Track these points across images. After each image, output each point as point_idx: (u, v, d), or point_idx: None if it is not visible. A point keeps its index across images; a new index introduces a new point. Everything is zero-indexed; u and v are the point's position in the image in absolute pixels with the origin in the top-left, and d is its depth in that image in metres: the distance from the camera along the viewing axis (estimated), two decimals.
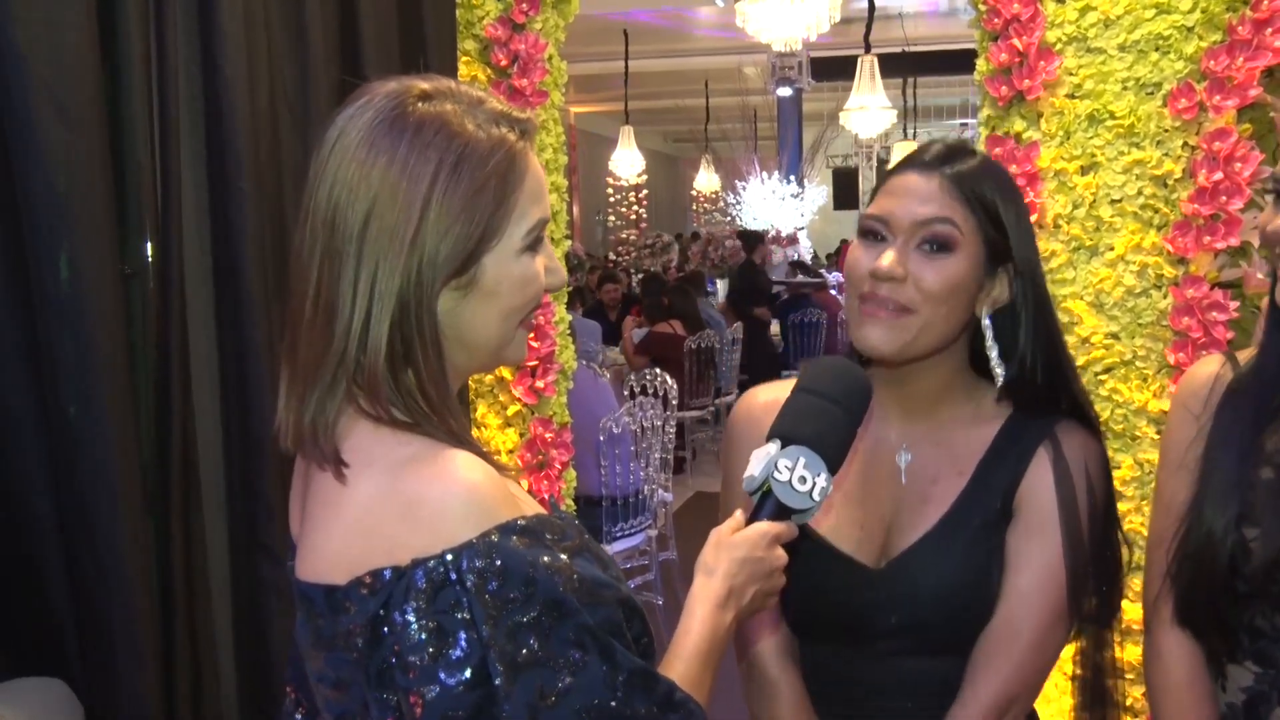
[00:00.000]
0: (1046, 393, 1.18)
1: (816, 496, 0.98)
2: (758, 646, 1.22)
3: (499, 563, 0.76)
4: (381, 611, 0.78)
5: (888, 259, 1.10)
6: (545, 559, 0.78)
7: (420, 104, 0.85)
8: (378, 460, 0.83)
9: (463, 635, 0.76)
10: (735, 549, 0.96)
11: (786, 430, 1.00)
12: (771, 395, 1.27)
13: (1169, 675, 1.21)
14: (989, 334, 1.16)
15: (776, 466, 0.97)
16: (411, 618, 0.76)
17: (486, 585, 0.76)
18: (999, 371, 1.16)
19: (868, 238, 1.14)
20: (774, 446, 0.99)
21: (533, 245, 0.89)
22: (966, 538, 1.14)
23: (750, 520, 0.99)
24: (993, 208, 1.12)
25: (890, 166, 1.20)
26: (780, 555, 0.99)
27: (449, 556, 0.77)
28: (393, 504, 0.80)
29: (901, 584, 1.14)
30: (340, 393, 0.86)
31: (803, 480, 0.97)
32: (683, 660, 0.92)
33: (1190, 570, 1.15)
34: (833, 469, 0.99)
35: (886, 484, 1.18)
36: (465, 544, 0.77)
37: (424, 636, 0.76)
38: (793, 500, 0.97)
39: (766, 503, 0.99)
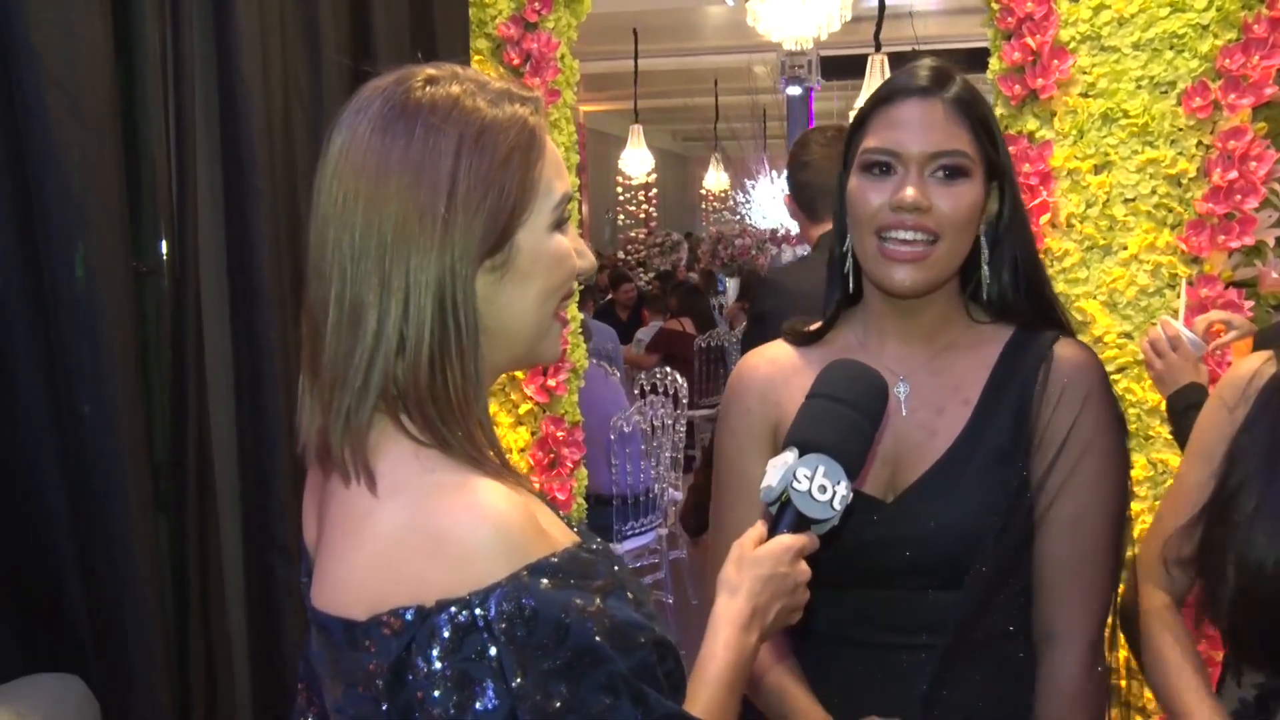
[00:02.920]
0: (1030, 300, 1.17)
1: (837, 505, 0.93)
2: (765, 679, 1.19)
3: (529, 608, 0.72)
4: (404, 654, 0.73)
5: (911, 191, 1.08)
6: (578, 602, 0.74)
7: (429, 87, 0.82)
8: (403, 488, 0.78)
9: (490, 685, 0.71)
10: (758, 565, 0.92)
11: (803, 437, 0.96)
12: (760, 357, 1.25)
13: (1169, 650, 1.20)
14: (985, 248, 1.16)
15: (795, 476, 0.93)
16: (437, 665, 0.72)
17: (515, 632, 0.71)
18: (989, 283, 1.16)
19: (873, 171, 1.11)
20: (791, 455, 0.94)
21: (560, 224, 0.86)
22: (976, 468, 1.11)
23: (771, 532, 0.95)
24: (989, 126, 1.13)
25: (878, 91, 1.15)
26: (804, 570, 0.94)
27: (476, 600, 0.72)
28: (417, 538, 0.75)
29: (912, 518, 1.11)
30: (371, 402, 0.80)
31: (822, 489, 0.93)
32: (708, 687, 0.87)
33: (1252, 610, 1.11)
34: (852, 475, 0.95)
35: (887, 417, 1.14)
36: (493, 586, 0.72)
37: (449, 685, 0.72)
38: (813, 510, 0.93)
39: (785, 514, 0.95)
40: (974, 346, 1.18)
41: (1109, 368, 2.18)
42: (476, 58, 2.57)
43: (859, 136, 1.14)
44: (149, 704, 1.69)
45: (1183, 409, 1.65)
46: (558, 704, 0.71)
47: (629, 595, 0.81)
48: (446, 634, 0.72)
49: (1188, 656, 1.19)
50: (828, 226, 1.86)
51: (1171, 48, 2.13)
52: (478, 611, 0.72)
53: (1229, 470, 1.15)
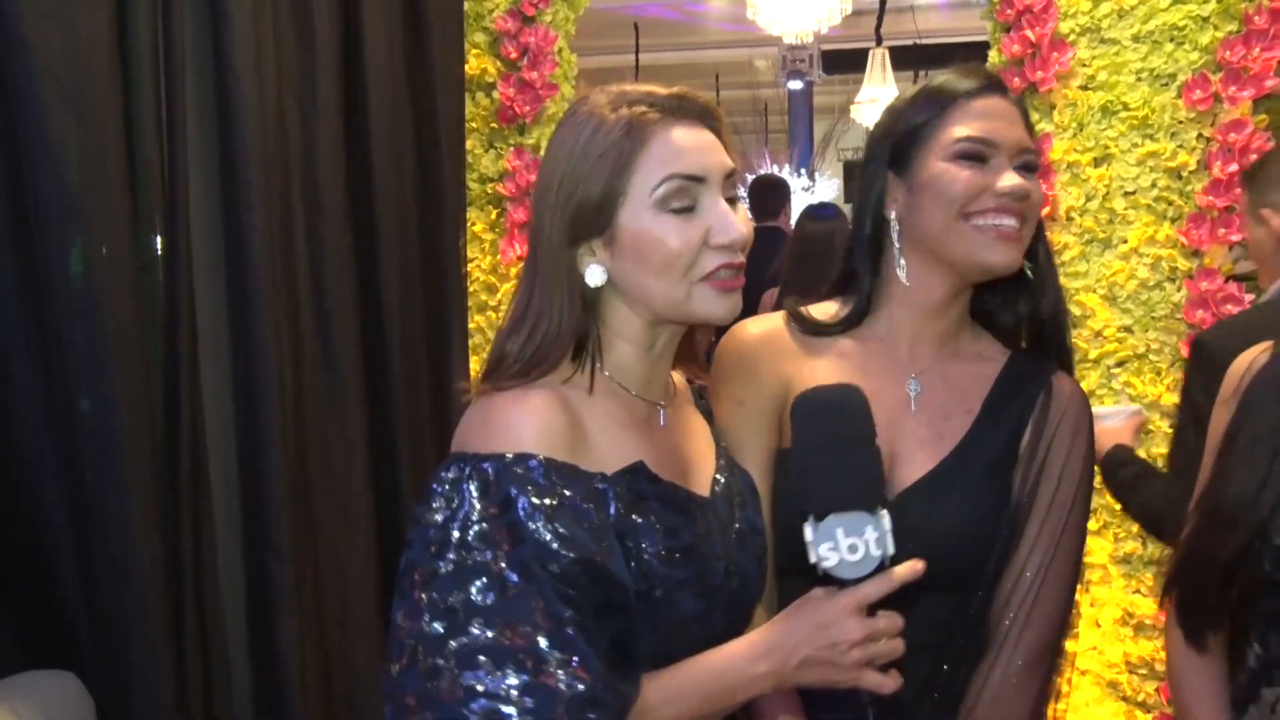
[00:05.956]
0: (1048, 321, 1.21)
1: (876, 551, 0.90)
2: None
3: (492, 477, 0.88)
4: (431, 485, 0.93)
5: (1018, 179, 1.12)
6: (527, 495, 0.88)
7: (581, 103, 1.01)
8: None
9: (442, 517, 0.89)
10: (802, 610, 0.92)
11: (809, 504, 0.92)
12: (762, 328, 1.23)
13: (1190, 689, 1.20)
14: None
15: (819, 554, 0.90)
16: (434, 485, 0.91)
17: (484, 492, 0.88)
18: (1006, 300, 1.20)
19: (968, 160, 1.13)
20: (809, 529, 0.91)
21: (668, 204, 0.96)
22: (973, 474, 1.14)
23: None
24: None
25: (948, 84, 1.17)
26: (858, 626, 0.91)
27: (475, 459, 0.90)
28: (478, 411, 0.96)
29: (911, 516, 1.10)
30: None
31: (853, 549, 0.90)
32: (679, 680, 0.92)
33: (1208, 561, 1.12)
34: (874, 505, 0.91)
35: (895, 414, 1.16)
36: (490, 454, 0.90)
37: (428, 505, 0.90)
38: (857, 571, 0.90)
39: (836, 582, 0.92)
40: (978, 358, 1.21)
41: (1108, 362, 2.17)
42: (474, 51, 2.56)
43: (936, 125, 1.16)
44: (145, 701, 1.68)
45: (1114, 465, 1.81)
46: (472, 558, 0.87)
47: (589, 522, 0.90)
48: (447, 475, 0.91)
49: (1211, 682, 1.18)
50: None
51: (1172, 40, 2.12)
52: (471, 465, 0.90)
53: (1221, 451, 1.15)
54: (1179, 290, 2.11)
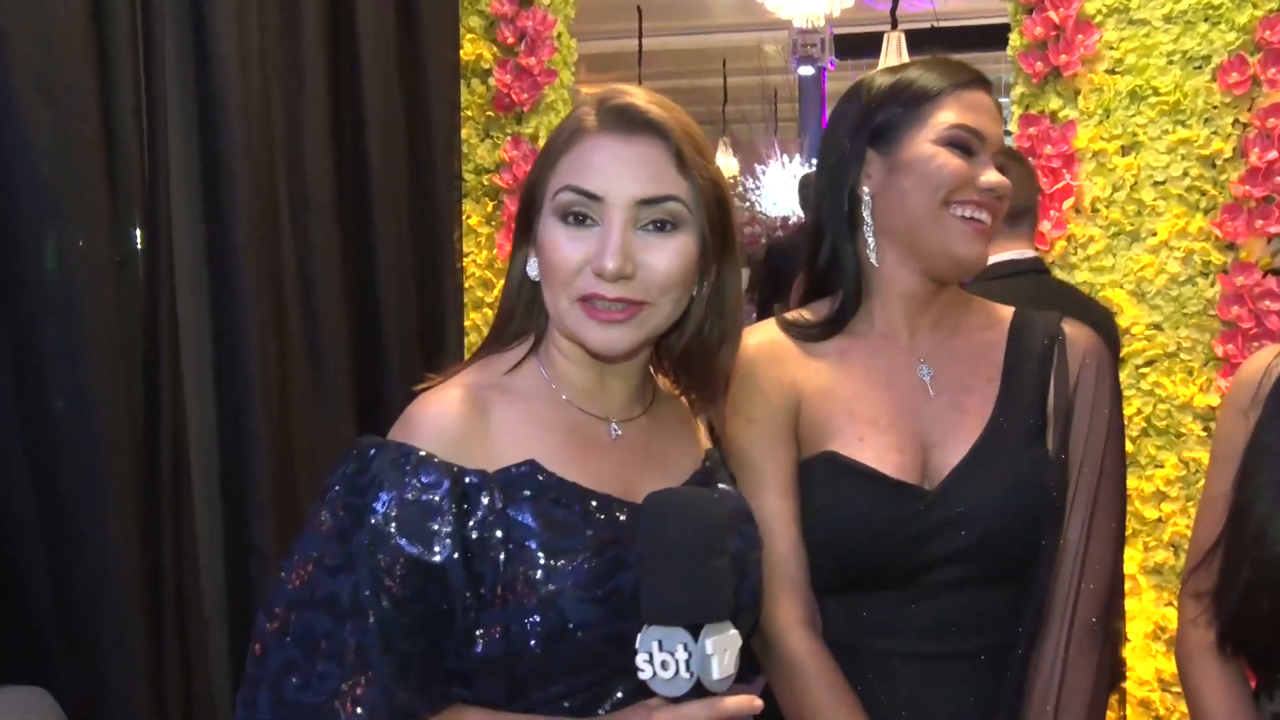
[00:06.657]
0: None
1: (686, 673, 0.84)
2: (775, 620, 1.10)
3: (369, 459, 0.93)
4: None
5: (999, 176, 1.12)
6: (387, 483, 0.91)
7: None
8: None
9: (325, 484, 0.95)
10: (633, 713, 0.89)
11: (641, 610, 0.87)
12: (759, 338, 1.19)
13: (1213, 705, 1.13)
14: None
15: (637, 663, 0.85)
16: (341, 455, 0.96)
17: (357, 470, 0.93)
18: None
19: (957, 147, 1.11)
20: (639, 636, 0.86)
21: (560, 211, 0.95)
22: (1010, 448, 1.12)
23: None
24: None
25: (941, 73, 1.14)
26: None
27: (371, 440, 0.95)
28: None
29: (961, 501, 1.09)
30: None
31: (665, 665, 0.84)
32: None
33: (1259, 592, 1.05)
34: (699, 623, 0.84)
35: (915, 401, 1.14)
36: (383, 441, 0.95)
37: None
38: (670, 689, 0.85)
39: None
40: (981, 327, 1.20)
41: (1137, 360, 2.08)
42: (469, 36, 2.49)
43: (929, 106, 1.13)
44: (122, 716, 1.62)
45: None
46: (334, 517, 0.92)
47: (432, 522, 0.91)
48: (350, 449, 0.97)
49: (1228, 704, 1.12)
50: None
51: (1206, 20, 2.03)
52: (369, 447, 0.95)
53: (1245, 471, 1.09)
54: (1212, 285, 2.02)
